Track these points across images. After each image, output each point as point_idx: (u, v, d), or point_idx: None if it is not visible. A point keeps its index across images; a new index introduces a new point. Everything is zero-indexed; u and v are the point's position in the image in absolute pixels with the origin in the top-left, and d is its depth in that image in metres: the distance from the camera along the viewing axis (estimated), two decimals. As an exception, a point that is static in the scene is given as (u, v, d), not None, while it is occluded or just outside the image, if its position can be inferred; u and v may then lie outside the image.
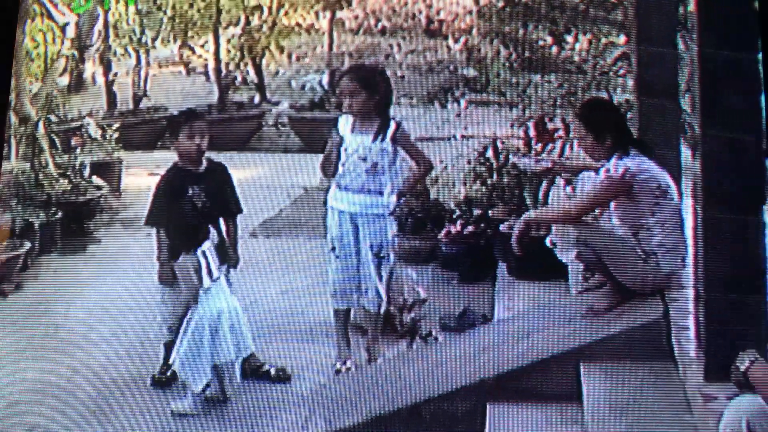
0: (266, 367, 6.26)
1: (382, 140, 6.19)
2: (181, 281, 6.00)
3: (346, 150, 6.26)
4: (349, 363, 6.29)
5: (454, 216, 7.94)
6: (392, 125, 6.27)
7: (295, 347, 6.42)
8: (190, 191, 6.06)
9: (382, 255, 6.26)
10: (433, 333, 6.54)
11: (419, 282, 7.04)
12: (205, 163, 6.20)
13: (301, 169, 10.36)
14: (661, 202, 5.61)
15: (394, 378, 5.93)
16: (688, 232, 5.57)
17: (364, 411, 5.64)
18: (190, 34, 12.39)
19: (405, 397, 5.64)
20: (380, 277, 6.27)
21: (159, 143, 10.45)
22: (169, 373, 6.14)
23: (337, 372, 6.25)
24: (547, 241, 5.90)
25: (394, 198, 6.22)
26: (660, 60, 6.52)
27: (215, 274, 6.02)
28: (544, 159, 6.73)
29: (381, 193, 6.19)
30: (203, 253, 5.99)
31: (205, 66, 13.34)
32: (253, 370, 6.22)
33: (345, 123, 6.35)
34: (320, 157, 10.25)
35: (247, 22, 11.89)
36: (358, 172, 6.19)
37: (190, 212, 6.08)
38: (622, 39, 8.43)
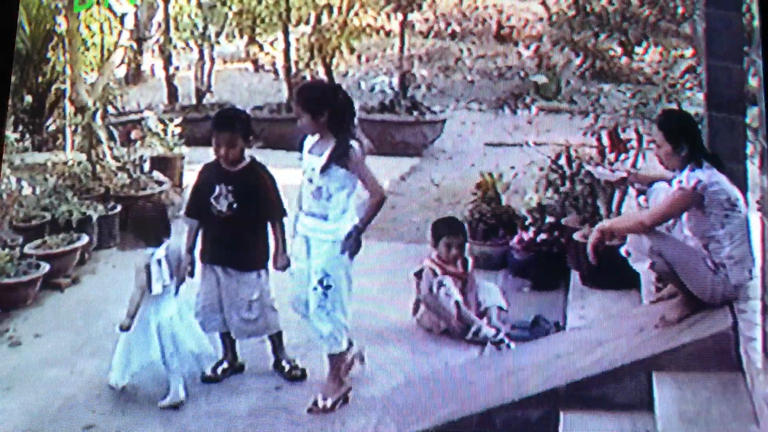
0: (284, 363, 6.39)
1: (336, 162, 5.76)
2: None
3: (304, 171, 5.97)
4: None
5: (527, 223, 8.06)
6: (343, 147, 5.77)
7: (364, 351, 6.46)
8: (218, 189, 6.12)
9: (325, 284, 5.86)
10: (506, 340, 6.65)
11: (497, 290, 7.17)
12: (244, 163, 6.19)
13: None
14: (730, 215, 5.67)
15: (466, 384, 6.01)
16: (755, 244, 5.61)
17: (435, 416, 5.70)
18: (257, 30, 12.56)
19: (477, 404, 5.71)
20: (319, 307, 5.91)
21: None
22: (219, 370, 6.31)
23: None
24: (622, 251, 5.97)
25: (344, 225, 5.85)
26: (727, 75, 6.56)
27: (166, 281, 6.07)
28: (619, 169, 6.74)
29: (325, 218, 5.86)
30: (158, 261, 6.02)
31: (273, 64, 13.52)
32: (275, 363, 6.39)
33: (308, 142, 5.96)
34: (390, 160, 10.56)
35: (318, 21, 12.01)
36: (306, 194, 5.93)
37: (215, 211, 6.13)
38: (690, 52, 8.48)
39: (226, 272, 6.24)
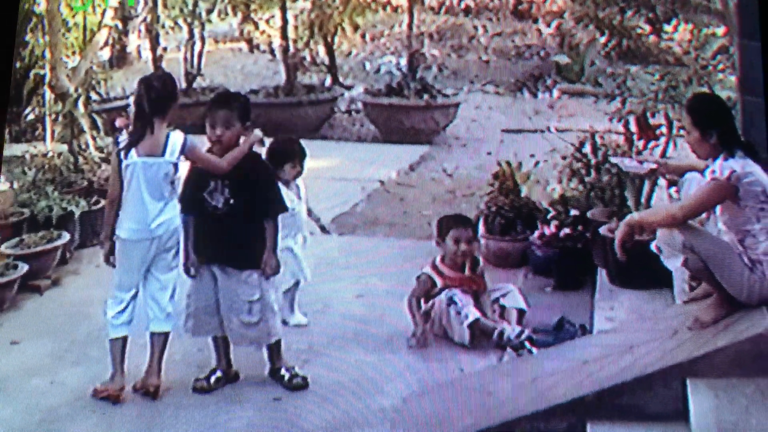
0: (283, 371, 6.39)
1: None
2: None
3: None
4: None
5: (549, 216, 8.08)
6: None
7: (373, 358, 6.55)
8: (212, 184, 6.17)
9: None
10: (527, 345, 6.62)
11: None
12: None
13: (376, 160, 10.71)
14: (767, 208, 5.69)
15: (485, 394, 6.01)
16: (793, 241, 5.63)
17: (450, 429, 5.74)
18: (252, 7, 12.51)
19: (496, 415, 5.72)
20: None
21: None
22: (213, 380, 6.33)
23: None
24: (652, 247, 5.95)
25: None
26: (761, 55, 6.52)
27: None
28: (648, 160, 6.69)
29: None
30: None
31: (270, 44, 13.51)
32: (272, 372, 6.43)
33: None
34: (398, 149, 10.59)
35: (318, -4, 11.87)
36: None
37: (209, 207, 6.18)
38: (722, 30, 8.46)
39: (224, 271, 6.27)
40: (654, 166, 6.49)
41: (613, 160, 7.24)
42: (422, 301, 6.96)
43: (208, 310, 6.33)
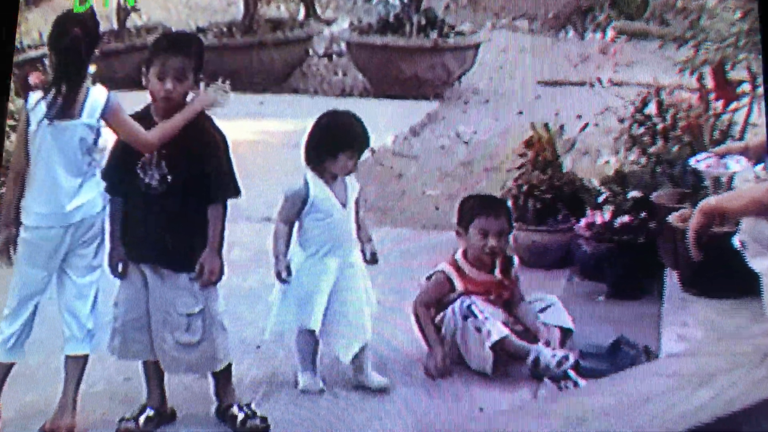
0: (234, 409, 6.41)
1: None
2: None
3: None
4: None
5: (600, 199, 8.13)
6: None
7: (359, 392, 6.63)
8: (146, 155, 6.17)
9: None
10: (572, 375, 6.63)
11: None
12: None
13: (366, 122, 10.57)
14: None
15: None
16: None
17: None
18: None
19: None
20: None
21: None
22: (142, 420, 6.33)
23: None
24: (735, 241, 5.93)
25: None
26: None
27: None
28: (733, 152, 6.75)
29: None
30: None
31: (225, -33, 13.55)
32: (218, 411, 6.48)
33: None
34: (396, 105, 10.60)
35: None
36: None
37: (142, 186, 6.18)
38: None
39: (156, 273, 6.28)
40: (739, 167, 6.56)
41: (693, 164, 7.25)
42: (433, 310, 6.97)
43: (137, 324, 6.34)
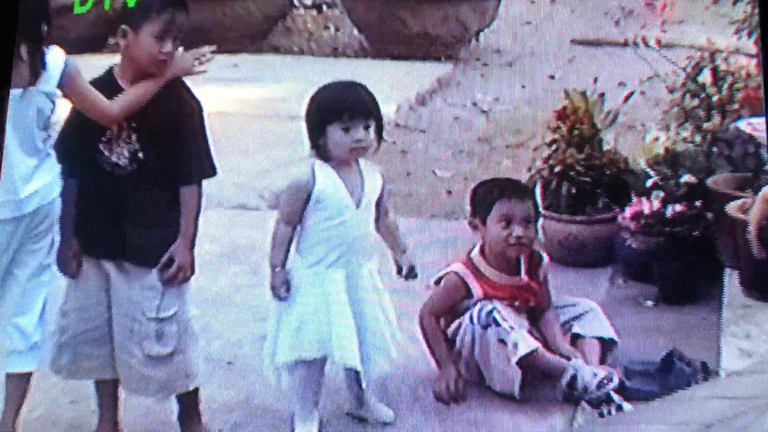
0: None
1: None
2: None
3: None
4: None
5: (648, 184, 7.97)
6: None
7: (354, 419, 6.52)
8: (113, 129, 6.06)
9: None
10: (615, 398, 6.50)
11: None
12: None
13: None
14: None
15: None
16: None
17: None
18: None
19: None
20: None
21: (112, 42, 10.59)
22: None
23: None
24: None
25: None
26: None
27: None
28: None
29: None
30: None
31: None
32: None
33: None
34: (402, 67, 10.52)
35: None
36: None
37: (107, 165, 6.06)
38: None
39: (121, 270, 6.15)
40: None
41: (743, 126, 7.33)
42: (443, 320, 6.81)
43: (94, 336, 6.21)
